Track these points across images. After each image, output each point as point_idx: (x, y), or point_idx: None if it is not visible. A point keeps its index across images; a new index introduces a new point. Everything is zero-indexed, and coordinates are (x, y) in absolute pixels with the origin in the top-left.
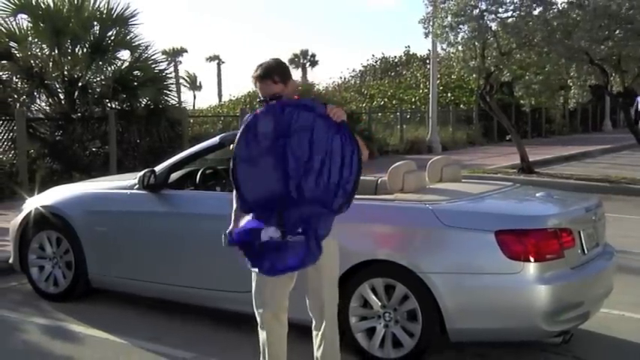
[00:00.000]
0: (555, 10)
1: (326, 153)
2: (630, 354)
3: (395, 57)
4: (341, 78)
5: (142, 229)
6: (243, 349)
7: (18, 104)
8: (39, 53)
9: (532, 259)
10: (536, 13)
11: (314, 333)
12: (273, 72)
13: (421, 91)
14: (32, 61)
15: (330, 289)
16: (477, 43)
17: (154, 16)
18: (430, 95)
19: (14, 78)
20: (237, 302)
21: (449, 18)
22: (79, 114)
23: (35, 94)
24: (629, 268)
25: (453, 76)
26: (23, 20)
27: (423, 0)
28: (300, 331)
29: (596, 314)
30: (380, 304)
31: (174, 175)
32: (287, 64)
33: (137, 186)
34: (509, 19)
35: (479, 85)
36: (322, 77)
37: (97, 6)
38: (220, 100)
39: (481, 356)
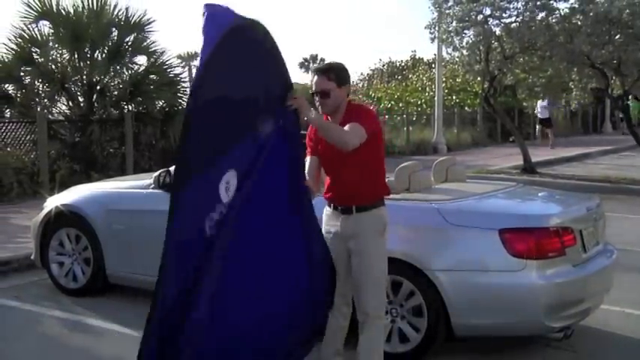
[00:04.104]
0: (557, 15)
1: None
2: (630, 349)
3: (401, 61)
4: None
5: (157, 226)
6: None
7: (39, 107)
8: (59, 58)
9: (534, 256)
10: (539, 18)
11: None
12: (330, 69)
13: (427, 94)
14: (53, 66)
15: None
16: (481, 48)
17: (170, 21)
18: (436, 98)
19: (36, 82)
20: None
21: (454, 23)
22: (98, 116)
23: (56, 97)
24: (629, 266)
25: (458, 80)
26: (44, 27)
27: (428, 6)
28: None
29: (597, 311)
30: (386, 300)
31: None
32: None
33: (153, 185)
34: (513, 24)
35: (483, 88)
36: None
37: (115, 13)
38: None
39: (483, 350)
